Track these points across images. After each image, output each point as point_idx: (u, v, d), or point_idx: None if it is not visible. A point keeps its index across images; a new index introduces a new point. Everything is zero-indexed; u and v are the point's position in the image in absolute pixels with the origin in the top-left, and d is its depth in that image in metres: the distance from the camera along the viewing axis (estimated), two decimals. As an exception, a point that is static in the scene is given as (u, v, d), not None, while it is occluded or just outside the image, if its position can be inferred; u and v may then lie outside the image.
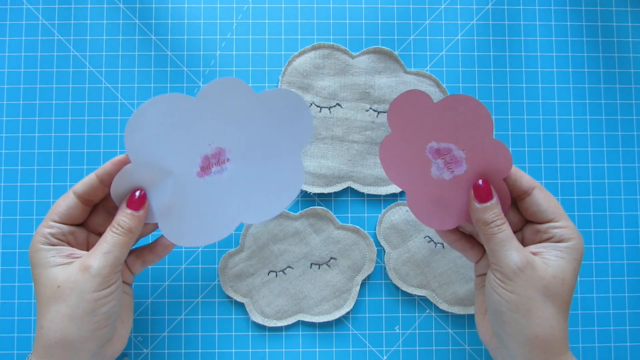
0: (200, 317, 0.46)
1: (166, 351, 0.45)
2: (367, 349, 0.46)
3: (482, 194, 0.36)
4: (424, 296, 0.46)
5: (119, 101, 0.47)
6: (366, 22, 0.48)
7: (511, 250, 0.34)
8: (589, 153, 0.48)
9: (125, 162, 0.37)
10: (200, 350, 0.46)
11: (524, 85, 0.48)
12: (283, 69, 0.47)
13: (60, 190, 0.46)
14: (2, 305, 0.46)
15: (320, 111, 0.47)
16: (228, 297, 0.46)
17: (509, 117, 0.48)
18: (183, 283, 0.46)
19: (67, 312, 0.34)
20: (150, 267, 0.46)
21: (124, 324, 0.39)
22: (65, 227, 0.37)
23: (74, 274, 0.35)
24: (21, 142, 0.47)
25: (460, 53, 0.48)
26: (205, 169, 0.38)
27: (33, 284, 0.36)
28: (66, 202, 0.37)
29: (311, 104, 0.47)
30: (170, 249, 0.40)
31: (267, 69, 0.48)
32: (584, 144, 0.48)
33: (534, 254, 0.35)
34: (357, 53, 0.47)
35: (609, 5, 0.49)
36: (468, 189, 0.37)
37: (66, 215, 0.37)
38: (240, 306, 0.46)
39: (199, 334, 0.46)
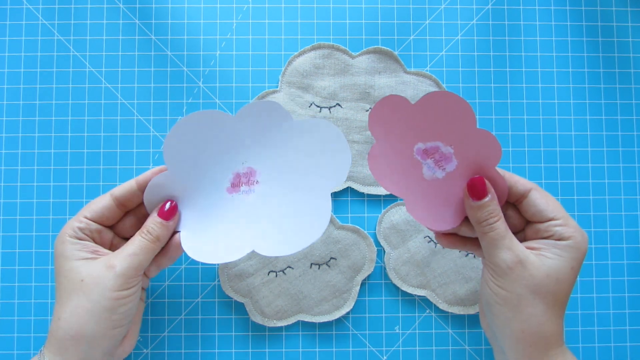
0: (200, 317, 0.46)
1: (166, 351, 0.45)
2: (367, 349, 0.46)
3: (477, 191, 0.35)
4: (424, 296, 0.46)
5: (119, 101, 0.47)
6: (366, 22, 0.48)
7: (502, 249, 0.34)
8: (589, 153, 0.48)
9: (164, 171, 0.38)
10: (200, 350, 0.46)
11: (524, 85, 0.48)
12: (283, 69, 0.47)
13: (60, 190, 0.46)
14: (2, 305, 0.46)
15: (320, 111, 0.47)
16: (228, 297, 0.46)
17: (509, 117, 0.48)
18: (183, 283, 0.46)
19: (87, 306, 0.35)
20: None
21: (135, 326, 0.40)
22: (94, 225, 0.38)
23: (99, 270, 0.35)
24: (21, 142, 0.47)
25: (460, 53, 0.48)
26: (235, 185, 0.38)
27: (55, 275, 0.37)
28: (102, 202, 0.38)
29: (311, 104, 0.47)
30: (181, 251, 0.40)
31: (267, 69, 0.48)
32: (584, 144, 0.48)
33: (533, 249, 0.35)
34: (357, 53, 0.47)
35: (609, 5, 0.49)
36: (463, 184, 0.37)
37: (99, 215, 0.38)
38: (240, 306, 0.46)
39: (199, 334, 0.46)
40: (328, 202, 0.37)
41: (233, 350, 0.46)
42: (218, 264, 0.46)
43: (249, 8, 0.48)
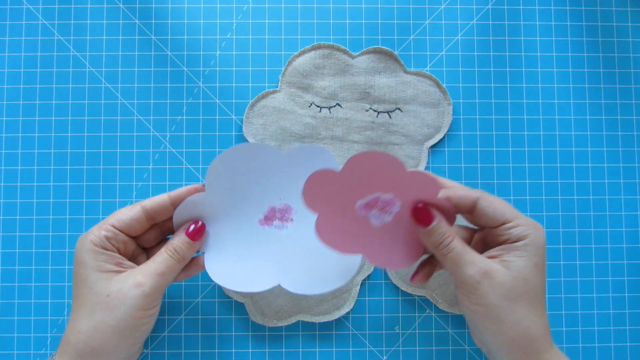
0: (200, 317, 0.46)
1: (166, 351, 0.45)
2: (367, 349, 0.46)
3: (423, 218, 0.35)
4: (424, 296, 0.46)
5: (119, 101, 0.47)
6: (366, 22, 0.48)
7: (465, 265, 0.34)
8: (589, 153, 0.48)
9: (200, 191, 0.38)
10: (200, 350, 0.46)
11: (524, 85, 0.48)
12: (283, 69, 0.47)
13: (60, 190, 0.46)
14: (2, 305, 0.46)
15: (320, 111, 0.47)
16: (228, 297, 0.46)
17: (509, 117, 0.48)
18: (183, 283, 0.46)
19: (112, 324, 0.34)
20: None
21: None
22: (121, 236, 0.37)
23: (126, 287, 0.35)
24: (21, 142, 0.47)
25: (460, 53, 0.48)
26: (268, 219, 0.39)
27: (74, 282, 0.36)
28: (132, 212, 0.38)
29: (311, 104, 0.47)
30: (201, 270, 0.40)
31: (267, 69, 0.48)
32: (584, 144, 0.48)
33: (494, 257, 0.35)
34: (357, 53, 0.47)
35: (609, 5, 0.49)
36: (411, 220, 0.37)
37: (127, 225, 0.37)
38: (240, 306, 0.46)
39: (199, 334, 0.46)
40: (359, 255, 0.38)
41: (233, 350, 0.46)
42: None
43: (249, 8, 0.48)
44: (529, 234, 0.35)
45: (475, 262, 0.34)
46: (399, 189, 0.36)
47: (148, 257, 0.40)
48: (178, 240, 0.37)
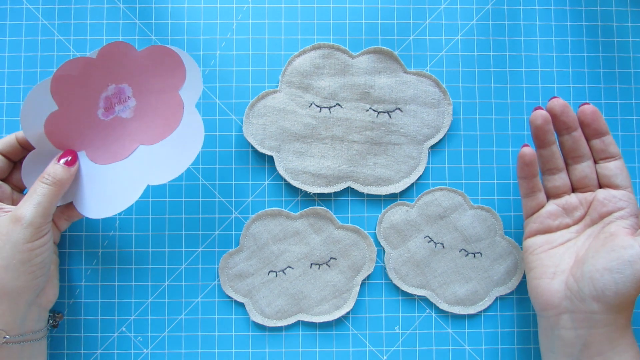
0: (200, 317, 0.46)
1: (166, 351, 0.45)
2: (367, 349, 0.46)
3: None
4: (424, 296, 0.46)
5: (119, 101, 0.47)
6: (366, 22, 0.48)
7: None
8: (589, 153, 0.48)
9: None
10: (200, 350, 0.46)
11: (524, 85, 0.48)
12: (283, 69, 0.47)
13: (60, 190, 0.46)
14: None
15: (320, 111, 0.47)
16: (228, 297, 0.46)
17: (509, 117, 0.48)
18: (183, 283, 0.46)
19: (2, 264, 0.35)
20: (149, 266, 0.46)
21: (53, 276, 0.41)
22: None
23: (6, 225, 0.35)
24: (21, 142, 0.47)
25: (460, 53, 0.48)
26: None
27: None
28: None
29: (311, 104, 0.47)
30: (75, 214, 0.41)
31: (267, 69, 0.48)
32: (584, 144, 0.48)
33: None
34: (357, 53, 0.47)
35: (609, 5, 0.49)
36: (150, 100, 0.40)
37: None
38: (240, 306, 0.46)
39: (199, 334, 0.46)
40: (197, 115, 0.39)
41: (233, 350, 0.46)
42: (218, 265, 0.46)
43: (249, 8, 0.48)
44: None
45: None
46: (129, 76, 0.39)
47: None
48: (51, 167, 0.38)
